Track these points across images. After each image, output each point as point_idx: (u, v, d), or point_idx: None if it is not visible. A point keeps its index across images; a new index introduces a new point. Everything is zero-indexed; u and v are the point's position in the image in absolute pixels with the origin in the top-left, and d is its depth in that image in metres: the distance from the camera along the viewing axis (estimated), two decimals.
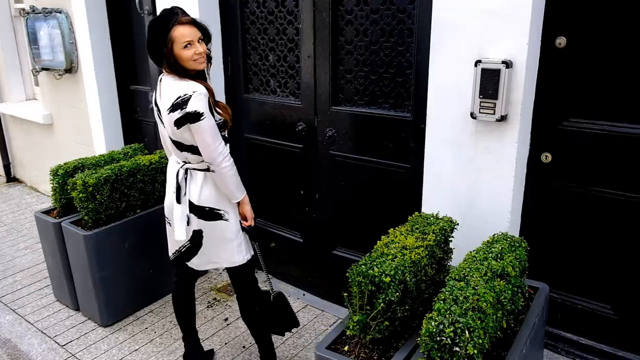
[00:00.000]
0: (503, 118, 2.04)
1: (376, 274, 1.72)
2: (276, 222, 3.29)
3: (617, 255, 2.11)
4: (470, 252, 1.93)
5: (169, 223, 2.31)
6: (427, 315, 1.62)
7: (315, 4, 2.67)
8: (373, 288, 1.73)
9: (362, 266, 1.76)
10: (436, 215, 2.13)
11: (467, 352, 1.53)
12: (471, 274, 1.75)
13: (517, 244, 1.95)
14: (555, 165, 2.17)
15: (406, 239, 1.92)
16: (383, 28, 2.50)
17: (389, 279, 1.72)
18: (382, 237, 2.00)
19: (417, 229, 2.02)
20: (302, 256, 3.18)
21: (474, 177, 2.20)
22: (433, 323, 1.56)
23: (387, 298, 1.73)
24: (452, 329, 1.53)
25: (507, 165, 2.11)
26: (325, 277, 3.09)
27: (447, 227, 2.04)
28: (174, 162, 2.23)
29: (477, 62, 2.04)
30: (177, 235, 2.20)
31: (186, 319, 2.52)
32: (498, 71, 2.00)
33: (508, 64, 1.97)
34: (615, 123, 2.01)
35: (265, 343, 2.47)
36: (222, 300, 3.19)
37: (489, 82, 2.02)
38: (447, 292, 1.67)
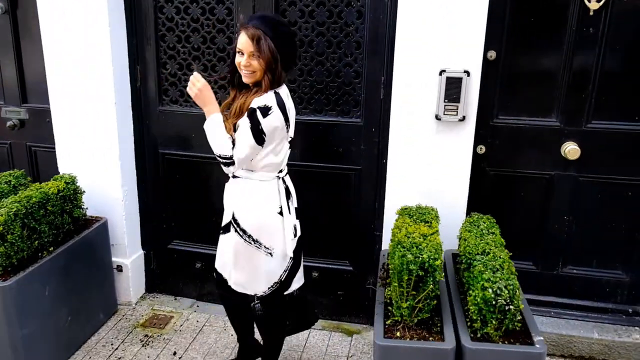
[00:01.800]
0: (464, 118, 2.61)
1: (425, 259, 2.08)
2: (204, 242, 3.28)
3: (540, 217, 2.88)
4: (464, 229, 2.45)
5: (271, 254, 2.27)
6: (476, 285, 2.06)
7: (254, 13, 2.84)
8: (421, 273, 2.09)
9: (409, 256, 2.09)
10: (420, 206, 2.58)
11: (518, 307, 2.03)
12: (488, 247, 2.25)
13: (493, 222, 2.54)
14: (487, 155, 2.84)
15: (419, 227, 2.32)
16: (330, 40, 2.83)
17: (439, 261, 2.11)
18: (394, 227, 2.37)
19: (417, 218, 2.44)
20: None
21: (436, 170, 2.71)
22: (490, 290, 2.01)
23: (436, 279, 2.11)
24: (507, 292, 2.00)
25: (464, 158, 2.68)
26: None
27: (437, 215, 2.51)
28: (272, 176, 2.23)
29: (442, 72, 2.56)
30: (289, 251, 2.27)
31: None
32: (460, 79, 2.55)
33: (468, 73, 2.55)
34: (532, 118, 2.77)
35: (277, 344, 2.57)
36: (156, 335, 3.06)
37: (453, 88, 2.56)
38: (480, 265, 2.14)
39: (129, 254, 3.23)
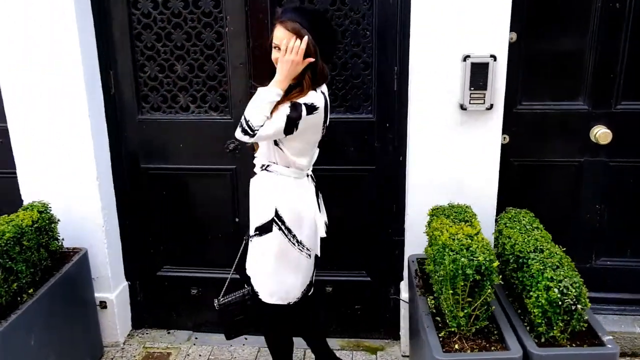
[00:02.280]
0: (491, 107, 2.41)
1: (482, 261, 1.85)
2: (200, 264, 2.95)
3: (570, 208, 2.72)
4: (504, 226, 2.26)
5: (309, 255, 2.18)
6: (537, 286, 1.86)
7: (248, 5, 2.55)
8: (478, 277, 1.86)
9: (462, 259, 1.86)
10: (453, 204, 2.36)
11: (586, 306, 1.84)
12: (540, 244, 2.06)
13: (532, 216, 2.36)
14: (511, 145, 2.65)
15: (461, 228, 2.10)
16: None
17: (496, 263, 1.89)
18: (430, 229, 2.15)
19: (454, 218, 2.22)
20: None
21: (462, 164, 2.50)
22: (556, 290, 1.81)
23: (494, 283, 1.89)
24: (573, 290, 1.81)
25: (492, 149, 2.49)
26: None
27: (474, 213, 2.30)
28: (304, 174, 2.17)
29: (466, 57, 2.35)
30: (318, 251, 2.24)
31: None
32: (487, 64, 2.35)
33: (495, 57, 2.35)
34: (557, 102, 2.61)
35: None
36: None
37: (479, 75, 2.36)
38: (538, 263, 1.94)
39: (113, 288, 2.86)
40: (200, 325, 3.03)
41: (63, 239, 2.60)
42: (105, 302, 2.83)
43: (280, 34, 1.94)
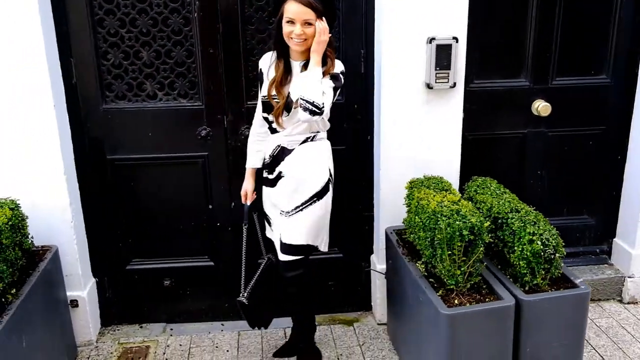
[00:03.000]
0: (454, 85, 2.66)
1: (475, 223, 2.09)
2: (172, 254, 2.96)
3: (517, 175, 3.07)
4: (474, 192, 2.53)
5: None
6: (521, 241, 2.14)
7: None
8: (472, 237, 2.10)
9: (457, 222, 2.09)
10: (427, 176, 2.59)
11: (563, 254, 2.15)
12: (515, 205, 2.35)
13: (497, 182, 2.65)
14: (465, 120, 2.94)
15: (445, 196, 2.33)
16: None
17: (487, 223, 2.14)
18: (414, 201, 2.36)
19: (435, 188, 2.45)
20: (217, 283, 3.00)
21: (428, 140, 2.74)
22: (538, 242, 2.10)
23: (485, 242, 2.14)
24: (553, 241, 2.11)
25: (455, 124, 2.74)
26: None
27: (449, 182, 2.55)
28: None
29: (431, 40, 2.58)
30: None
31: None
32: (450, 46, 2.59)
33: (457, 39, 2.60)
34: (503, 80, 2.93)
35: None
36: None
37: (443, 56, 2.60)
38: (518, 221, 2.22)
39: (84, 285, 2.78)
40: (174, 317, 3.04)
41: (33, 237, 2.50)
42: (76, 300, 2.75)
43: (295, 8, 2.07)
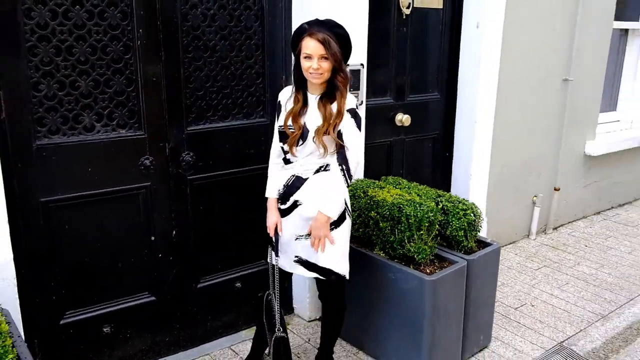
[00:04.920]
0: (362, 103, 3.28)
1: (432, 207, 2.76)
2: (112, 297, 2.80)
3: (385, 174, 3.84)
4: (392, 187, 3.20)
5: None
6: (458, 215, 2.90)
7: (159, 19, 2.65)
8: (441, 217, 2.77)
9: (422, 208, 2.72)
10: (363, 179, 3.14)
11: (483, 221, 2.99)
12: (436, 192, 3.09)
13: (402, 179, 3.36)
14: None
15: (390, 191, 2.93)
16: (232, 44, 2.94)
17: (440, 206, 2.82)
18: (363, 200, 2.90)
19: (377, 187, 3.02)
20: (158, 317, 2.95)
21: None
22: (471, 215, 2.90)
23: (438, 221, 2.82)
24: (479, 213, 2.93)
25: (362, 137, 3.36)
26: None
27: (382, 182, 3.15)
28: None
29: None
30: None
31: None
32: (359, 71, 3.21)
33: (363, 65, 3.23)
34: (378, 98, 3.68)
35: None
36: None
37: (355, 79, 3.20)
38: (448, 203, 2.98)
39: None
40: None
41: None
42: None
43: (312, 45, 2.32)
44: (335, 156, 2.46)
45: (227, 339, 3.22)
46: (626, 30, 5.50)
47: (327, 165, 2.50)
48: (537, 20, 4.20)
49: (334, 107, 2.41)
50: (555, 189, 4.79)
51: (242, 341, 3.20)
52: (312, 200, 2.48)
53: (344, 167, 2.43)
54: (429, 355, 2.73)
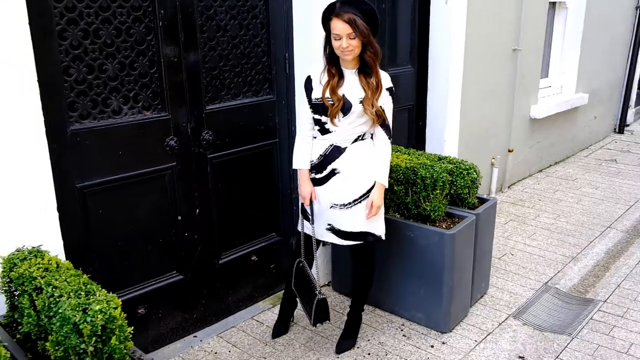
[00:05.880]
0: None
1: (444, 167, 3.03)
2: (146, 278, 2.83)
3: None
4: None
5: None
6: (460, 175, 3.20)
7: (177, 2, 2.68)
8: (448, 178, 3.04)
9: (436, 170, 2.98)
10: None
11: (481, 178, 3.31)
12: (432, 158, 3.37)
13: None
14: None
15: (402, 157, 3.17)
16: (240, 23, 3.02)
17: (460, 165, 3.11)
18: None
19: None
20: (187, 296, 3.02)
21: None
22: (474, 173, 3.20)
23: (448, 181, 3.10)
24: (478, 170, 3.25)
25: None
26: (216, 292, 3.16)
27: None
28: None
29: None
30: None
31: None
32: None
33: None
34: None
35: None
36: None
37: None
38: (449, 165, 3.26)
39: None
40: (147, 347, 2.91)
41: None
42: None
43: (340, 25, 2.46)
44: (369, 127, 2.65)
45: (247, 310, 3.33)
46: (554, 4, 6.05)
47: (364, 134, 2.67)
48: None
49: (373, 80, 2.58)
50: (509, 151, 5.25)
51: (262, 311, 3.33)
52: (355, 169, 2.67)
53: (390, 138, 2.65)
54: (449, 303, 3.02)
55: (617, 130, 7.64)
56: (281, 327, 3.09)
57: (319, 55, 2.84)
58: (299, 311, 3.14)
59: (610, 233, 4.38)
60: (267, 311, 3.33)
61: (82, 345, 1.64)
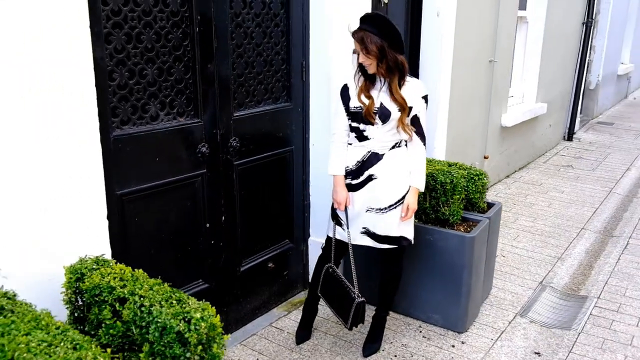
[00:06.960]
0: None
1: (462, 174, 3.19)
2: (176, 286, 2.78)
3: None
4: None
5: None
6: (472, 182, 3.37)
7: (212, 5, 2.69)
8: (466, 185, 3.20)
9: (454, 176, 3.14)
10: None
11: (486, 188, 3.50)
12: (445, 164, 3.52)
13: None
14: None
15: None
16: (264, 31, 3.05)
17: (470, 171, 3.27)
18: None
19: None
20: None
21: None
22: (484, 179, 3.38)
23: (464, 187, 3.26)
24: (486, 178, 3.44)
25: None
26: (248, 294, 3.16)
27: None
28: None
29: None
30: None
31: None
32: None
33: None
34: None
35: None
36: None
37: None
38: (463, 171, 3.43)
39: None
40: None
41: None
42: None
43: (355, 42, 2.61)
44: (406, 134, 2.75)
45: (263, 317, 3.35)
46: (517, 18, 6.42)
47: (401, 141, 2.77)
48: (475, 9, 4.80)
49: (397, 96, 2.65)
50: (485, 157, 5.52)
51: (279, 318, 3.35)
52: (392, 175, 2.76)
53: (425, 144, 2.78)
54: (467, 303, 3.16)
55: (566, 137, 8.17)
56: (304, 333, 3.13)
57: (334, 64, 2.95)
58: (317, 317, 3.20)
59: (585, 234, 4.70)
60: (283, 318, 3.36)
61: (187, 355, 1.63)
